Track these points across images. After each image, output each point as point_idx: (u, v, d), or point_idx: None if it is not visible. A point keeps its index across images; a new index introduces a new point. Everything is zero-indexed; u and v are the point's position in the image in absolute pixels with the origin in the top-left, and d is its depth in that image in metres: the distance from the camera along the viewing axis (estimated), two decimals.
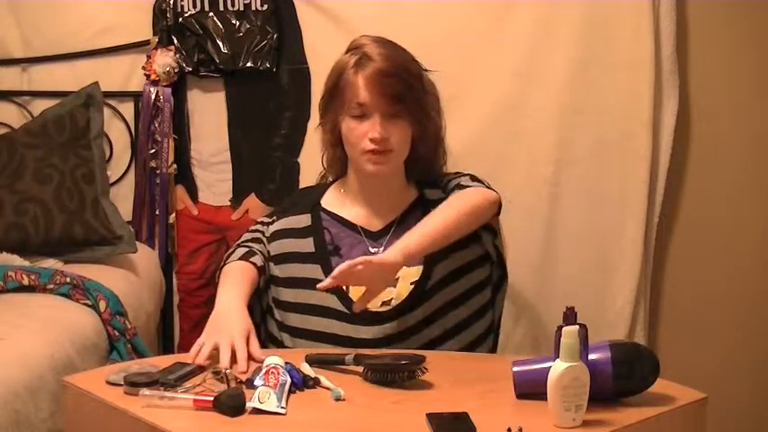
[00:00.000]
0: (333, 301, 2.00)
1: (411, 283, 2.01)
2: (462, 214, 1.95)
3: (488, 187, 2.06)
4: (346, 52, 2.03)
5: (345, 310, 1.99)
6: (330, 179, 2.19)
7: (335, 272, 1.82)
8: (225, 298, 1.93)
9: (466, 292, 2.02)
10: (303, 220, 2.09)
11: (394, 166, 2.03)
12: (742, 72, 2.72)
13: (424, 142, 2.07)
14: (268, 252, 2.09)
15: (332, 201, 2.11)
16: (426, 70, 2.06)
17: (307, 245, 2.06)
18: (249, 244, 2.09)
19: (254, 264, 2.03)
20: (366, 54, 1.97)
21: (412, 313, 1.97)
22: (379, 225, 2.07)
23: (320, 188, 2.17)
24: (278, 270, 2.07)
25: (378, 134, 1.95)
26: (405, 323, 1.97)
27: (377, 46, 1.99)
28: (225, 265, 2.05)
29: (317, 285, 1.86)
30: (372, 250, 2.04)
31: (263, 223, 2.15)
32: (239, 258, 2.04)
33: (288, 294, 2.05)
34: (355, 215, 2.08)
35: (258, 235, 2.12)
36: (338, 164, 2.12)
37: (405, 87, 1.96)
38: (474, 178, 2.09)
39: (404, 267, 2.00)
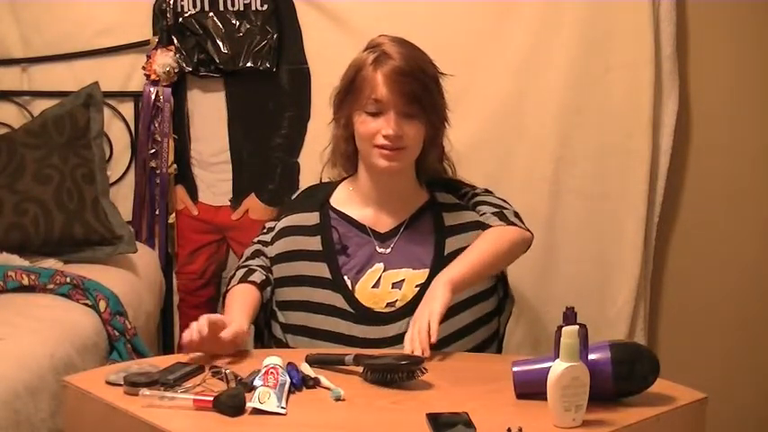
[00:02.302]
0: (338, 300, 2.00)
1: (416, 286, 2.01)
2: (501, 251, 1.99)
3: (525, 227, 2.08)
4: (364, 50, 2.03)
5: (351, 310, 1.99)
6: (331, 177, 2.19)
7: (419, 346, 1.79)
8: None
9: (470, 298, 2.02)
10: (311, 218, 2.09)
11: (405, 164, 2.04)
12: (742, 72, 2.72)
13: (434, 144, 2.08)
14: (270, 259, 2.08)
15: (341, 199, 2.11)
16: (442, 73, 2.07)
17: (314, 243, 2.06)
18: (248, 262, 2.09)
19: (253, 282, 2.03)
20: (385, 52, 1.98)
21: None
22: (387, 226, 2.07)
23: (328, 186, 2.17)
24: (283, 269, 2.06)
25: (392, 131, 1.96)
26: (408, 325, 1.97)
27: (395, 45, 2.00)
28: (227, 291, 2.05)
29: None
30: (380, 251, 2.04)
31: (268, 230, 2.14)
32: (238, 282, 2.04)
33: (293, 293, 2.05)
34: (364, 215, 2.08)
35: (258, 247, 2.12)
36: (349, 161, 2.12)
37: (421, 87, 1.98)
38: (516, 214, 2.10)
39: (410, 270, 2.01)
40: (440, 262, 2.01)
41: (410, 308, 1.97)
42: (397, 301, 2.00)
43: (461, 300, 2.00)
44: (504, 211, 2.09)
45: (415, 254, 2.04)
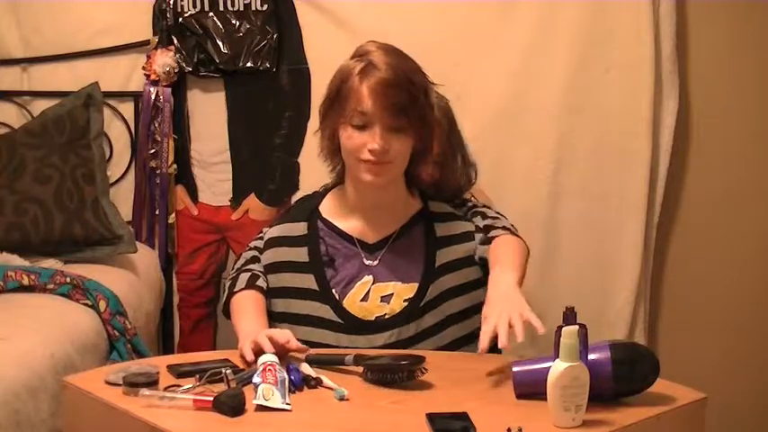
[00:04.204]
0: (326, 312, 1.97)
1: (404, 300, 1.97)
2: (524, 258, 1.95)
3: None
4: (352, 57, 1.97)
5: (339, 320, 1.96)
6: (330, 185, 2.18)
7: (498, 336, 1.65)
8: (246, 327, 1.89)
9: (465, 310, 2.00)
10: (299, 228, 2.05)
11: (391, 177, 1.97)
12: (742, 72, 2.72)
13: (424, 154, 2.02)
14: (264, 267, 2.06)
15: (330, 209, 2.06)
16: (433, 83, 2.01)
17: (301, 254, 2.02)
18: (250, 266, 2.05)
19: (260, 288, 2.00)
20: (372, 62, 1.91)
21: (406, 326, 1.96)
22: (376, 237, 2.02)
23: (319, 195, 2.12)
24: (270, 281, 2.02)
25: (378, 146, 1.89)
26: (399, 335, 1.95)
27: (383, 54, 1.93)
28: (232, 295, 2.01)
29: (479, 351, 1.70)
30: (367, 263, 2.00)
31: (260, 238, 2.11)
32: (246, 287, 1.99)
33: (279, 305, 2.01)
34: (352, 226, 2.03)
35: (255, 253, 2.08)
36: (336, 173, 2.07)
37: (408, 99, 1.90)
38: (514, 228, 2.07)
39: (398, 284, 1.98)
40: (430, 275, 1.98)
41: (399, 319, 1.95)
42: (385, 314, 1.97)
43: (455, 312, 1.98)
44: (507, 223, 2.06)
45: (403, 267, 2.00)
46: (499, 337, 1.65)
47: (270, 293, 2.02)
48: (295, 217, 2.08)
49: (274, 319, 2.02)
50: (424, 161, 2.04)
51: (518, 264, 1.91)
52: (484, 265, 2.02)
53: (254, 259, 2.07)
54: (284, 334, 1.78)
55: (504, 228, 2.02)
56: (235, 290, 2.00)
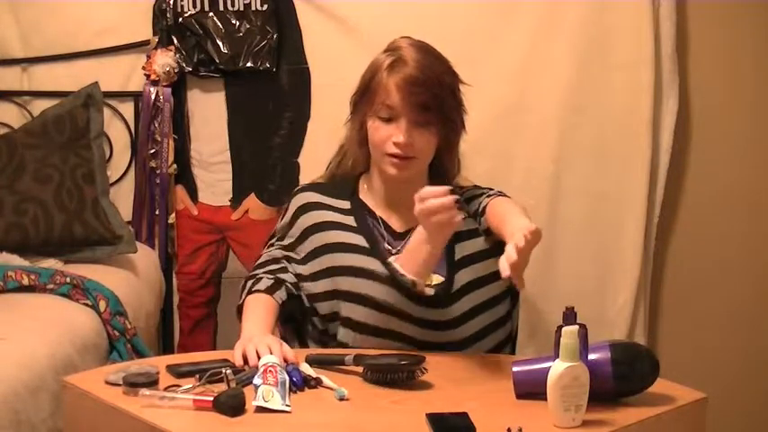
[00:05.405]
0: (377, 265, 1.97)
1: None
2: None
3: None
4: (384, 51, 2.01)
5: (388, 273, 1.95)
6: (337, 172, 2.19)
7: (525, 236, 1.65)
8: (250, 327, 1.90)
9: (487, 301, 2.02)
10: (344, 204, 2.08)
11: (415, 172, 2.02)
12: (742, 72, 2.72)
13: (446, 152, 2.07)
14: (299, 237, 2.06)
15: (364, 192, 2.11)
16: (462, 82, 2.04)
17: (348, 220, 2.05)
18: (278, 275, 2.03)
19: (278, 299, 1.99)
20: (401, 58, 1.96)
21: (437, 310, 1.97)
22: (399, 228, 2.07)
23: (350, 177, 2.14)
24: (316, 240, 2.03)
25: (402, 139, 1.94)
26: (434, 315, 1.96)
27: (414, 51, 1.97)
28: (250, 293, 2.01)
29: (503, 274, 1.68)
30: (393, 250, 2.03)
31: (284, 216, 2.13)
32: (265, 290, 1.99)
33: (325, 261, 2.01)
34: (380, 213, 2.08)
35: (280, 253, 2.08)
36: (364, 163, 2.11)
37: (434, 98, 1.95)
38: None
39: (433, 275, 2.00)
40: (452, 267, 2.00)
41: (432, 299, 1.95)
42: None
43: (478, 303, 2.00)
44: (491, 192, 2.09)
45: None
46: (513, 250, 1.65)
47: (311, 255, 2.03)
48: (333, 193, 2.10)
49: (328, 274, 2.01)
50: (449, 157, 2.10)
51: (515, 206, 1.96)
52: (490, 234, 2.03)
53: (278, 261, 2.06)
54: (274, 351, 1.76)
55: (489, 196, 2.06)
56: (253, 289, 2.01)
